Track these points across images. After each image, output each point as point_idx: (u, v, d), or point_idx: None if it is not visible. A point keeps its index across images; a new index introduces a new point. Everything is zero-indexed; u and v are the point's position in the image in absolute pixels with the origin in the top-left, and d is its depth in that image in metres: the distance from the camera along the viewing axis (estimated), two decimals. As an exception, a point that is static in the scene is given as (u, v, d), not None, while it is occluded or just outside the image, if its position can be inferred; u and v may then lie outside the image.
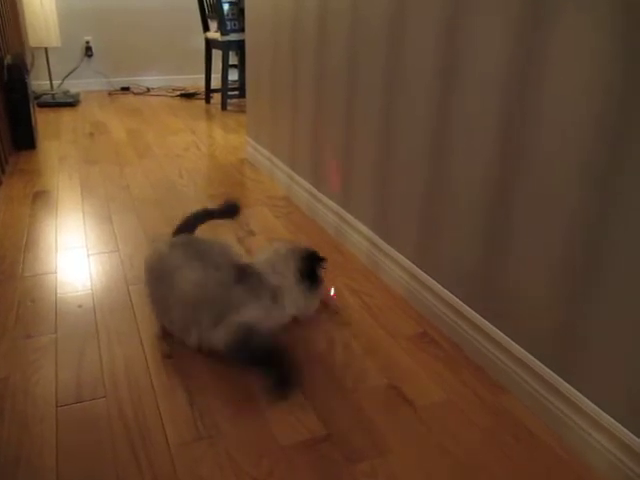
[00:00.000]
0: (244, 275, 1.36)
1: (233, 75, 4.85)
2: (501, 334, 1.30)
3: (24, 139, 3.09)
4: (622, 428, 1.02)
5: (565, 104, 1.05)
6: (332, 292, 1.68)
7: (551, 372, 1.17)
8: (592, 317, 1.06)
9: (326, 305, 1.62)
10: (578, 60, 1.01)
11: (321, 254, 1.50)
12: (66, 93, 4.58)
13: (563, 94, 1.05)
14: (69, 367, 1.34)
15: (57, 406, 1.21)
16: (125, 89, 5.01)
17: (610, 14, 0.94)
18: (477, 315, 1.37)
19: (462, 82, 1.32)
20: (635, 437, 1.00)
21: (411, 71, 1.51)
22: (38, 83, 4.54)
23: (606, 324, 1.03)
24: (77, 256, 1.89)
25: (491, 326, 1.33)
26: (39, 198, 2.40)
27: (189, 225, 1.62)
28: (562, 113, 1.06)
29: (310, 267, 1.45)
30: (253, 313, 1.32)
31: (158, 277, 1.41)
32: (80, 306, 1.59)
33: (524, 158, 1.16)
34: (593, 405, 1.08)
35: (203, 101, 4.62)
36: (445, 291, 1.49)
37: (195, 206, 2.33)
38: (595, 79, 0.99)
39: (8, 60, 3.03)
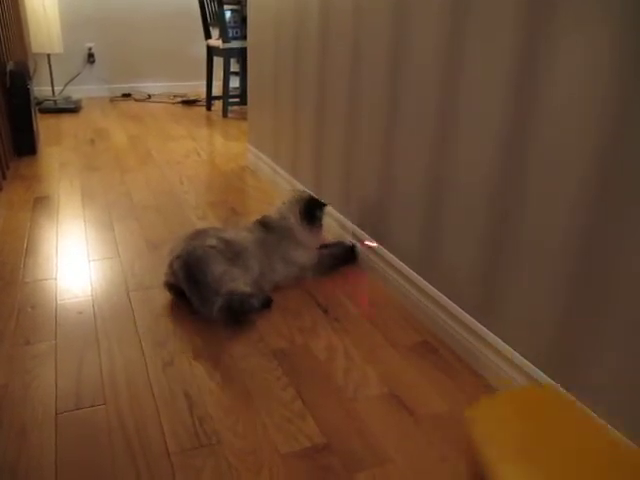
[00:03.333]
0: (268, 229, 1.79)
1: (234, 82, 4.86)
2: (503, 343, 1.30)
3: (25, 145, 3.10)
4: None
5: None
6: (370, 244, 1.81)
7: (552, 381, 1.16)
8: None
9: (326, 312, 1.63)
10: (586, 54, 1.02)
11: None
12: (68, 99, 4.59)
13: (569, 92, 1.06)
14: (69, 374, 1.33)
15: (56, 413, 1.20)
16: (126, 95, 5.02)
17: None
18: (478, 324, 1.37)
19: (468, 86, 1.32)
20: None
21: (417, 76, 1.52)
22: (40, 89, 4.54)
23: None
24: (77, 262, 1.89)
25: (493, 335, 1.32)
26: (40, 204, 2.40)
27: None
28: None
29: (308, 209, 1.82)
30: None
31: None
32: (80, 312, 1.59)
33: (527, 174, 1.17)
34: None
35: (204, 108, 4.63)
36: (447, 300, 1.48)
37: (195, 213, 2.35)
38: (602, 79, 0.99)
39: (11, 66, 3.04)
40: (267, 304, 1.62)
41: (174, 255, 1.62)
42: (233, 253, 1.62)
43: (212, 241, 1.62)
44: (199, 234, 1.69)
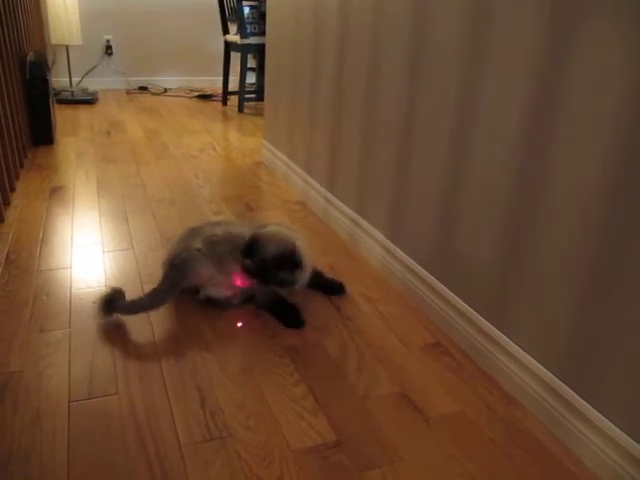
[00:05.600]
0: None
1: (251, 78, 4.87)
2: (516, 347, 1.29)
3: (43, 135, 3.12)
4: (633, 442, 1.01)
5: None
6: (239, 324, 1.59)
7: (564, 385, 1.16)
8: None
9: (338, 310, 1.63)
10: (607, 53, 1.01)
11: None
12: (85, 91, 4.63)
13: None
14: (82, 363, 1.34)
15: (69, 401, 1.21)
16: (143, 89, 5.05)
17: None
18: (492, 326, 1.36)
19: (489, 90, 1.32)
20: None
21: (434, 76, 1.51)
22: (58, 80, 4.58)
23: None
24: (92, 252, 1.90)
25: (506, 339, 1.32)
26: (56, 194, 2.42)
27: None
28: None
29: (249, 251, 1.53)
30: None
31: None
32: (94, 302, 1.59)
33: (546, 168, 1.16)
34: (607, 420, 1.07)
35: (220, 103, 4.64)
36: (459, 301, 1.48)
37: (210, 207, 2.35)
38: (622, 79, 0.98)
39: (30, 57, 3.06)
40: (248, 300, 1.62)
41: (166, 258, 1.64)
42: (217, 256, 1.58)
43: (198, 244, 1.59)
44: (193, 232, 1.67)
